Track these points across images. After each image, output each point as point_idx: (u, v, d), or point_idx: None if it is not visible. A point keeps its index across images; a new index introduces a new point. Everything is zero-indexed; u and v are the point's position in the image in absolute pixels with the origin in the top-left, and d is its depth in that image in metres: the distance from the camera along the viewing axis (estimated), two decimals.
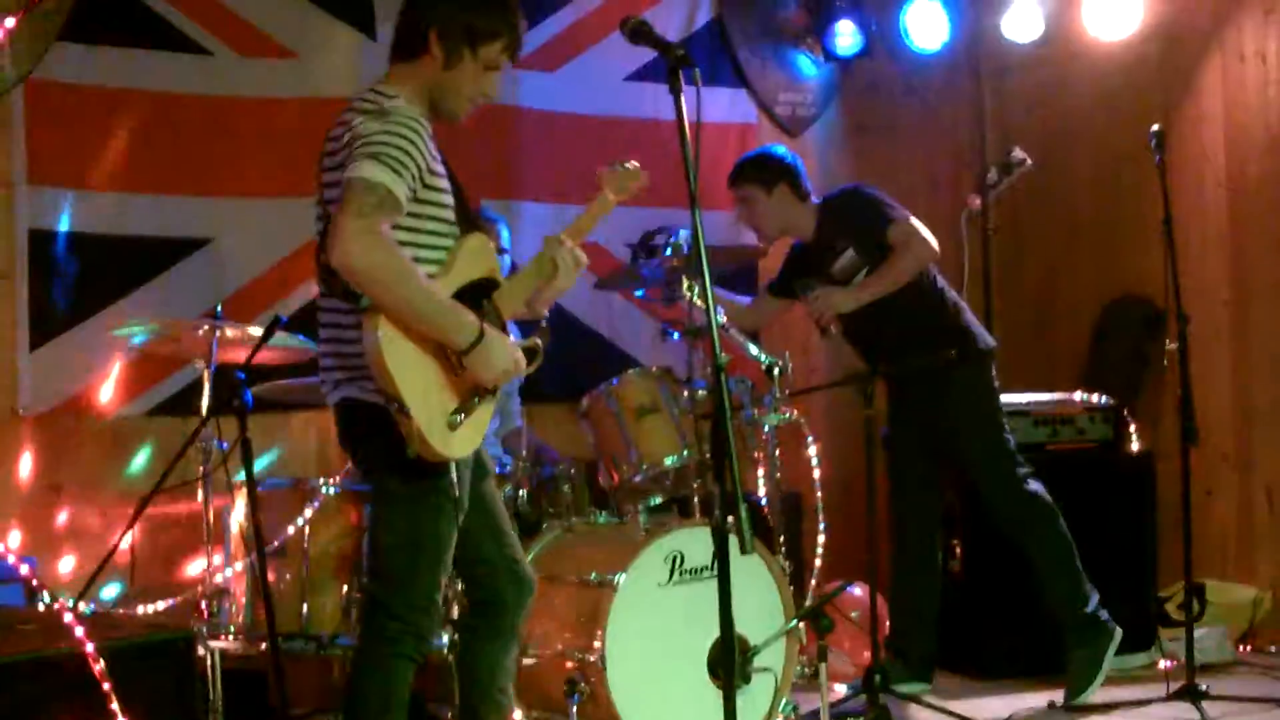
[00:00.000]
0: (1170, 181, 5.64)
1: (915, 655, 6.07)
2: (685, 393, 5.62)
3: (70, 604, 4.53)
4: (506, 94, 6.60)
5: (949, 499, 6.32)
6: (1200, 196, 7.25)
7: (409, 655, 4.06)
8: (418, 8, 4.12)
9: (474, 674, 4.42)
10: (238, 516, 5.27)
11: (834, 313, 5.91)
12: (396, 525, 4.06)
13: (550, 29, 7.28)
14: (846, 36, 7.84)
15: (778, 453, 5.95)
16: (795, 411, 5.82)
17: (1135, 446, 6.70)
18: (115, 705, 3.97)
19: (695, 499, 5.64)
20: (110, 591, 6.07)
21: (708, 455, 5.44)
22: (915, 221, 5.93)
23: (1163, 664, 6.22)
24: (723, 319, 5.61)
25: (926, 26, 7.85)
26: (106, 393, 6.22)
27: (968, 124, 8.16)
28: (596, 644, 5.00)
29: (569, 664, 5.08)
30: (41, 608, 5.30)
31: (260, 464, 5.38)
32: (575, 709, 4.94)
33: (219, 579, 5.28)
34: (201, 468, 5.27)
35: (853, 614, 6.47)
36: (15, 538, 5.98)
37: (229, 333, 5.39)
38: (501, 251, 5.99)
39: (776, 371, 5.69)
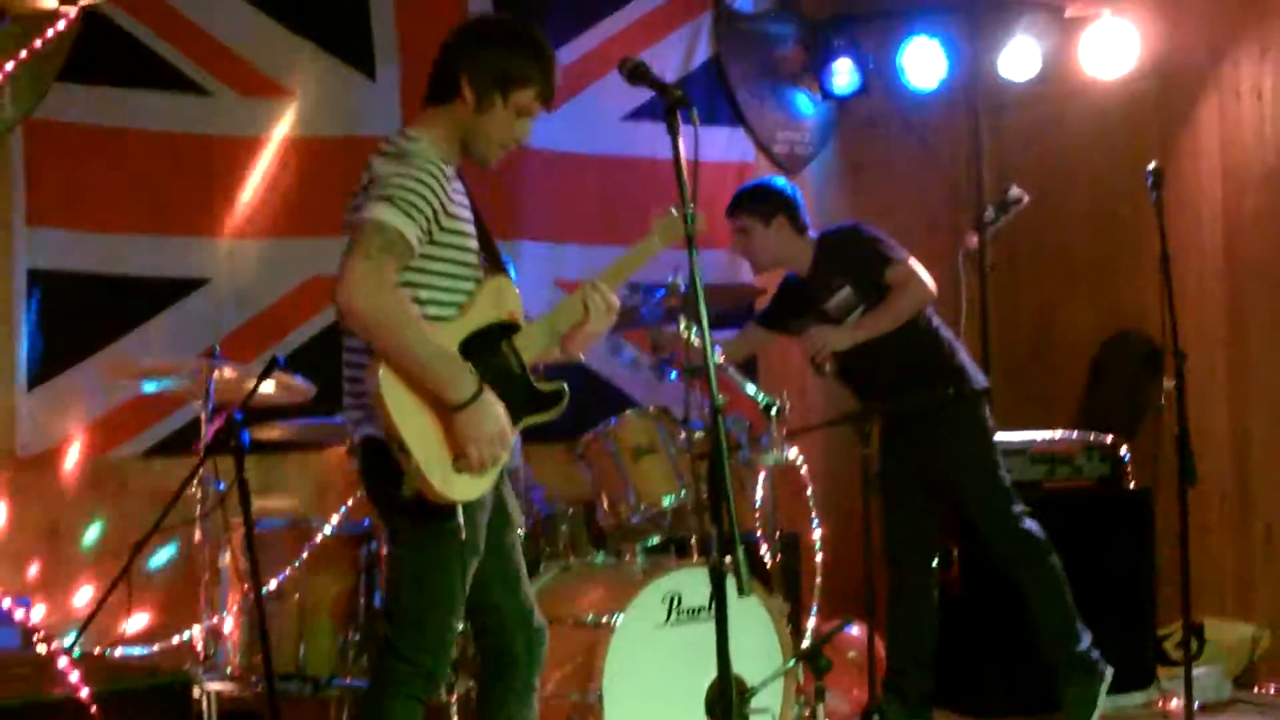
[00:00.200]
0: (1167, 219, 5.64)
1: (913, 694, 6.05)
2: (683, 433, 5.63)
3: (66, 647, 4.52)
4: None
5: (946, 539, 6.30)
6: (1197, 234, 7.25)
7: (416, 696, 4.02)
8: (451, 52, 4.12)
9: None
10: (235, 557, 5.27)
11: (830, 350, 5.90)
12: (405, 566, 4.05)
13: None
14: (844, 75, 7.87)
15: (775, 493, 5.95)
16: (793, 451, 5.82)
17: (1133, 484, 6.68)
18: None
19: (693, 539, 5.64)
20: (106, 634, 6.05)
21: (705, 496, 5.45)
22: (914, 263, 5.93)
23: (1161, 703, 6.20)
24: (720, 359, 5.62)
25: (923, 65, 7.86)
26: (104, 432, 6.23)
27: (965, 161, 8.16)
28: (594, 685, 5.00)
29: (567, 705, 5.07)
30: (37, 651, 5.29)
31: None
32: None
33: (215, 620, 5.28)
34: (199, 508, 5.27)
35: (850, 653, 6.45)
36: (11, 579, 5.97)
37: (227, 373, 5.40)
38: None
39: (774, 412, 5.69)
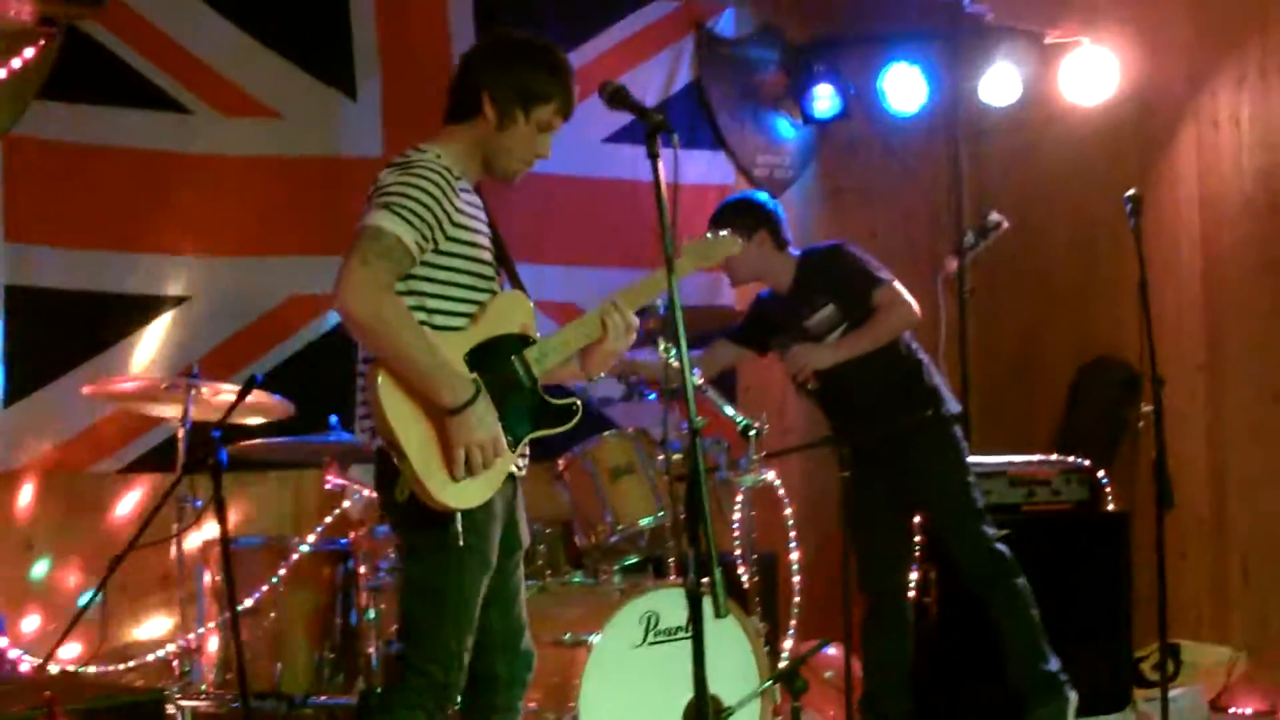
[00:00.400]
0: (1145, 245, 5.66)
1: (889, 715, 6.04)
2: (661, 454, 5.63)
3: (40, 664, 4.51)
4: None
5: (923, 560, 6.31)
6: (1176, 260, 7.28)
7: (424, 708, 4.00)
8: (472, 70, 4.15)
9: None
10: (211, 575, 5.26)
11: (812, 368, 5.91)
12: (414, 577, 4.05)
13: None
14: (825, 100, 7.89)
15: (753, 513, 5.95)
16: (771, 473, 5.82)
17: (1111, 508, 6.70)
18: None
19: (670, 560, 5.63)
20: (81, 650, 6.03)
21: (683, 516, 5.45)
22: (899, 285, 5.95)
23: None
24: (699, 380, 5.62)
25: (904, 90, 7.88)
26: (82, 449, 6.21)
27: (945, 187, 8.18)
28: (571, 704, 5.00)
29: None
30: (11, 669, 5.28)
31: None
32: None
33: (191, 638, 5.26)
34: (175, 525, 5.26)
35: (827, 674, 6.45)
36: None
37: (205, 391, 5.39)
38: None
39: (753, 433, 5.70)
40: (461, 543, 3.92)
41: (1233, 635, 6.97)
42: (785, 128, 8.13)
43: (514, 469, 4.11)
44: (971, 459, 6.12)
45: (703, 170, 7.79)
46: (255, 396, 5.08)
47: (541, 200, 7.27)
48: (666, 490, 5.56)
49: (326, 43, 6.83)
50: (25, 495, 6.16)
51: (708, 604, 3.48)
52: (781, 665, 5.77)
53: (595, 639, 5.07)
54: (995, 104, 7.84)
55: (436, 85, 6.82)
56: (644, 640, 5.19)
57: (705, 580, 3.49)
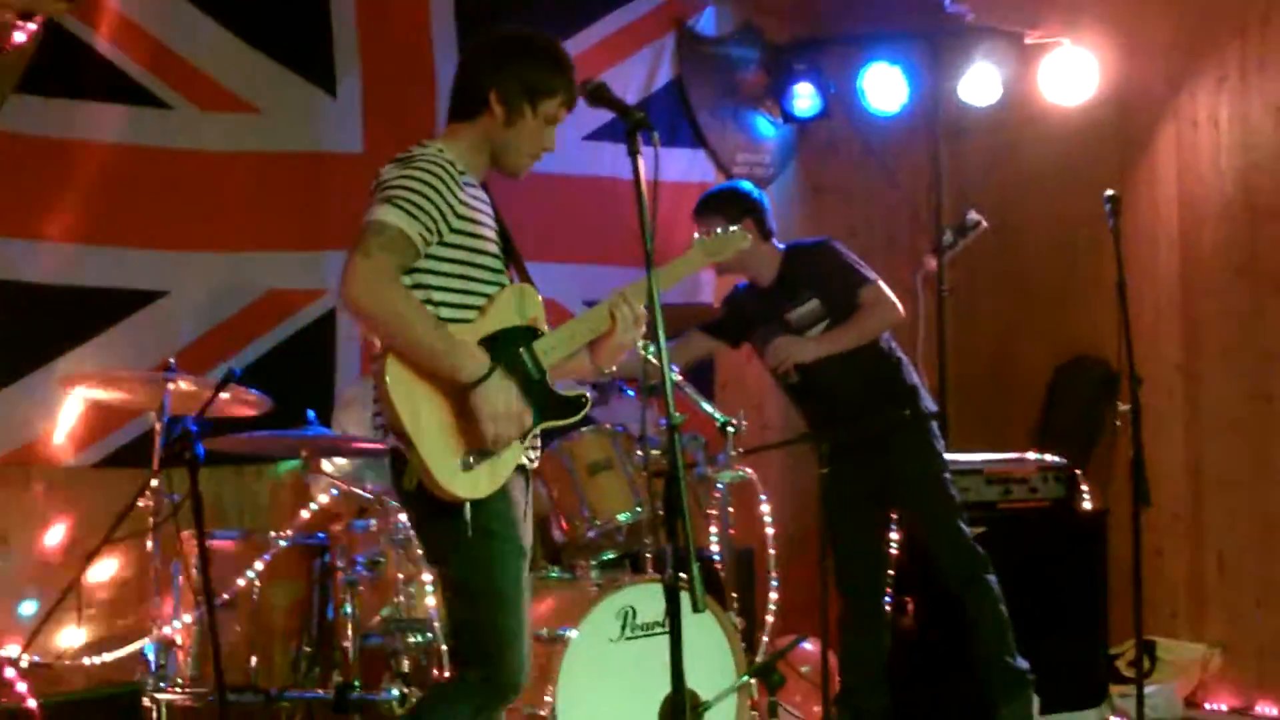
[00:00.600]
0: (1124, 245, 5.68)
1: (866, 710, 6.05)
2: (639, 450, 5.63)
3: (14, 657, 4.49)
4: None
5: (901, 557, 6.32)
6: (1154, 260, 7.31)
7: (475, 705, 4.00)
8: (476, 69, 4.17)
9: None
10: (187, 569, 5.25)
11: (793, 361, 5.91)
12: (451, 576, 4.05)
13: None
14: (805, 99, 7.90)
15: (730, 510, 5.96)
16: (749, 470, 5.83)
17: (1088, 506, 6.72)
18: None
19: (648, 555, 5.64)
20: (56, 643, 6.01)
21: (660, 512, 5.46)
22: (884, 285, 5.97)
23: None
24: (678, 376, 5.63)
25: (884, 89, 7.89)
26: (58, 442, 6.19)
27: (924, 186, 8.20)
28: (548, 698, 5.01)
29: (521, 719, 5.06)
30: None
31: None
32: None
33: (167, 631, 5.25)
34: (152, 519, 5.25)
35: (803, 669, 6.46)
36: None
37: (183, 385, 5.38)
38: None
39: (731, 430, 5.72)
40: (469, 533, 3.92)
41: (1208, 632, 7.01)
42: (765, 126, 8.14)
43: (525, 460, 4.12)
44: (949, 457, 6.15)
45: (683, 168, 7.80)
46: (232, 391, 5.07)
47: (521, 198, 7.25)
48: (644, 486, 5.56)
49: (306, 39, 6.82)
50: (1, 489, 6.13)
51: (686, 599, 3.49)
52: (758, 660, 5.78)
53: (572, 634, 5.07)
54: (975, 104, 7.86)
55: (417, 82, 6.99)
56: (621, 635, 5.20)
57: (683, 576, 3.50)
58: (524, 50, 4.17)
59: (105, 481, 6.19)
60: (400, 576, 5.28)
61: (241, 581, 5.22)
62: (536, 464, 4.20)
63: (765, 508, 6.14)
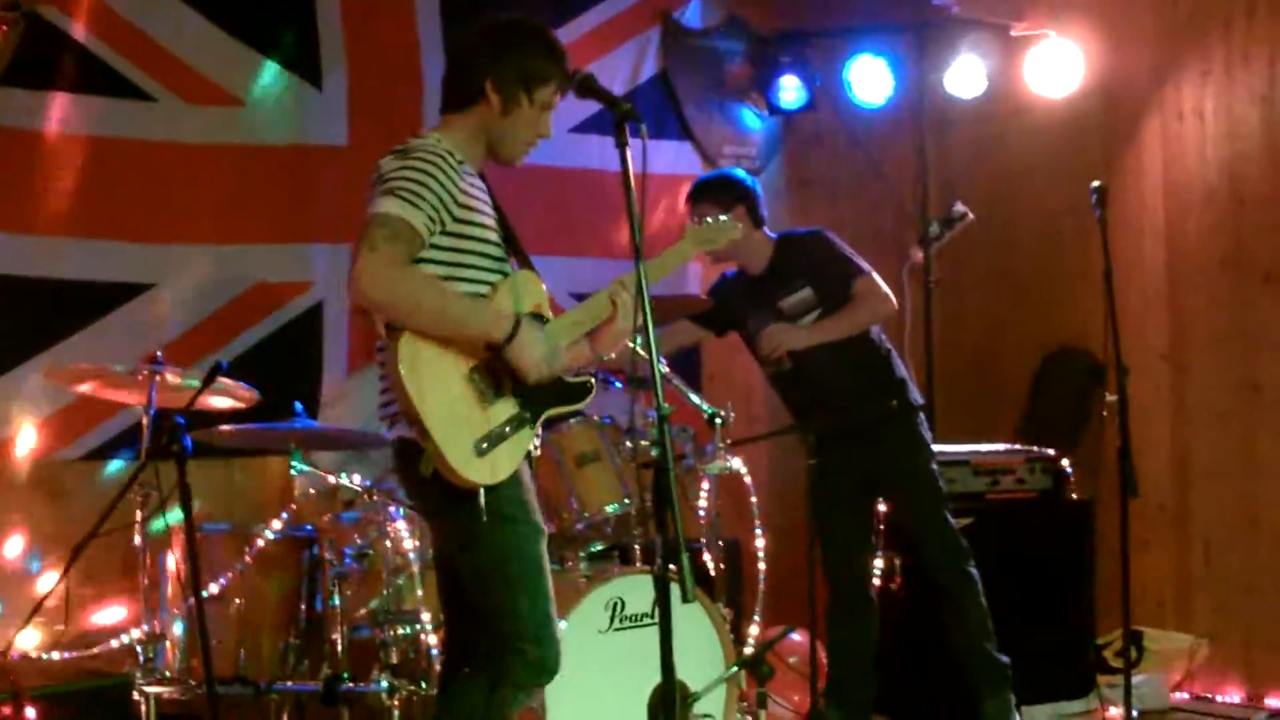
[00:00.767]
0: (1110, 236, 5.68)
1: (854, 701, 6.06)
2: (627, 441, 5.64)
3: (3, 650, 4.48)
4: None
5: (888, 547, 6.33)
6: (1139, 251, 7.32)
7: (521, 687, 4.05)
8: (470, 59, 4.17)
9: None
10: (175, 561, 5.24)
11: (786, 348, 5.91)
12: (474, 564, 4.04)
13: None
14: (791, 91, 7.91)
15: (718, 501, 5.96)
16: (737, 461, 5.83)
17: (1074, 496, 6.73)
18: None
19: (636, 546, 5.64)
20: (44, 637, 6.00)
21: (649, 503, 5.46)
22: (877, 277, 5.98)
23: (1100, 710, 6.23)
24: (665, 368, 5.62)
25: (870, 81, 7.90)
26: (44, 436, 6.18)
27: (910, 177, 8.19)
28: (537, 690, 4.98)
29: None
30: None
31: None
32: None
33: (156, 624, 5.24)
34: (139, 512, 5.24)
35: (792, 660, 6.47)
36: None
37: (169, 378, 5.37)
38: None
39: (719, 421, 5.72)
40: (485, 519, 3.93)
41: (1195, 622, 7.02)
42: (751, 118, 8.15)
43: (529, 448, 4.12)
44: (935, 447, 6.15)
45: (669, 160, 7.81)
46: (220, 384, 5.07)
47: (507, 191, 7.24)
48: (633, 477, 5.56)
49: (291, 31, 6.81)
50: None
51: (675, 589, 3.49)
52: (747, 651, 5.78)
53: (561, 624, 5.04)
54: (961, 96, 7.86)
55: (403, 74, 6.99)
56: (610, 626, 5.19)
57: (673, 567, 3.50)
58: (517, 38, 4.17)
59: (92, 474, 6.18)
60: (389, 569, 5.27)
61: (230, 574, 5.21)
62: (539, 452, 4.21)
63: (753, 499, 6.14)
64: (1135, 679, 5.91)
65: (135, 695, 5.01)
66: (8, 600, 6.06)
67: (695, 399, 5.83)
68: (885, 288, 5.97)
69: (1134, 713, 5.67)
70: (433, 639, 5.07)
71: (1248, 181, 6.89)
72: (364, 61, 6.93)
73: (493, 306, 3.99)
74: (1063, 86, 7.58)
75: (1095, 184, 5.72)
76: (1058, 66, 7.56)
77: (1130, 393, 5.67)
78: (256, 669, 5.14)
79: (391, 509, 5.28)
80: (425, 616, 5.11)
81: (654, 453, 5.32)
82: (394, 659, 5.10)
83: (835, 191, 8.31)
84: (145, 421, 5.41)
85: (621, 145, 3.69)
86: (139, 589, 5.27)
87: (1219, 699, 6.81)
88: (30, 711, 3.92)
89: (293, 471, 5.47)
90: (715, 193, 6.03)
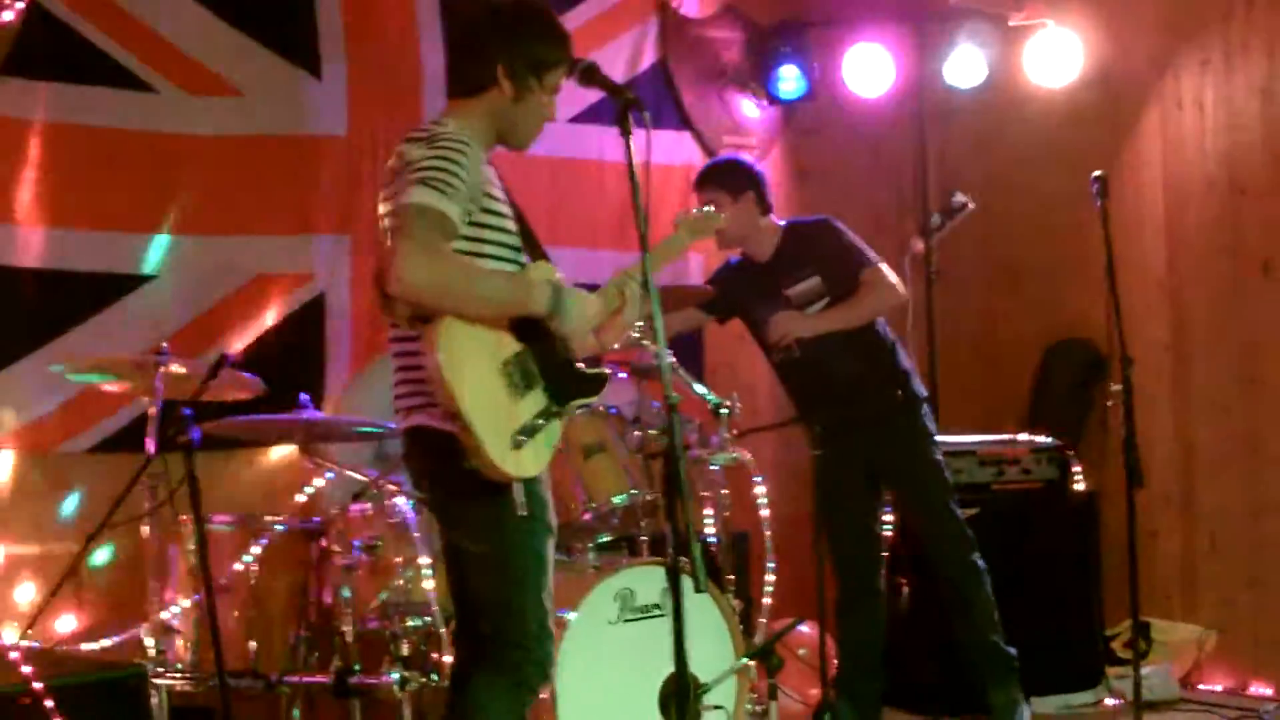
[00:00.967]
0: (1110, 226, 5.69)
1: (864, 694, 6.06)
2: (634, 432, 5.63)
3: (16, 640, 4.47)
4: None
5: (895, 540, 6.33)
6: (1140, 241, 7.33)
7: (528, 684, 4.02)
8: (479, 45, 4.12)
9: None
10: (184, 554, 5.23)
11: (794, 336, 5.91)
12: (493, 556, 4.00)
13: None
14: (790, 81, 7.90)
15: (725, 492, 5.96)
16: (743, 452, 5.83)
17: (1080, 487, 6.73)
18: None
19: (643, 537, 5.63)
20: (55, 629, 5.98)
21: (656, 494, 5.46)
22: (886, 267, 5.98)
23: (1109, 702, 6.25)
24: (672, 359, 5.62)
25: (869, 71, 7.90)
26: (50, 428, 6.16)
27: (910, 168, 8.20)
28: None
29: None
30: None
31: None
32: None
33: (165, 616, 5.22)
34: (148, 504, 5.22)
35: (801, 651, 6.47)
36: None
37: (175, 369, 5.35)
38: None
39: (724, 412, 5.72)
40: (522, 511, 3.93)
41: (1201, 614, 7.03)
42: (750, 109, 8.14)
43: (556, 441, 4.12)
44: (941, 438, 6.15)
45: (669, 151, 7.79)
46: (225, 375, 5.05)
47: (508, 180, 7.24)
48: (639, 468, 5.56)
49: (291, 21, 6.79)
50: None
51: (686, 580, 3.48)
52: (757, 643, 5.78)
53: (571, 616, 5.06)
54: (960, 86, 7.87)
55: (403, 64, 6.97)
56: (619, 617, 5.19)
57: (684, 558, 3.50)
58: (525, 21, 4.13)
59: (100, 467, 6.16)
60: (398, 560, 5.26)
61: (239, 566, 5.20)
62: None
63: (760, 490, 6.14)
64: (1144, 670, 5.90)
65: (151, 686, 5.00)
66: (19, 592, 6.04)
67: (700, 389, 5.84)
68: (894, 277, 5.98)
69: (1143, 704, 5.66)
70: (443, 630, 5.06)
71: (1247, 172, 6.90)
72: (363, 52, 6.91)
73: (529, 281, 3.98)
74: (1062, 76, 7.59)
75: (1096, 174, 5.73)
76: (1057, 56, 7.57)
77: (1133, 383, 5.68)
78: (267, 662, 5.12)
79: (400, 501, 5.26)
80: (435, 608, 5.09)
81: (663, 442, 5.31)
82: (404, 651, 5.08)
83: (834, 182, 8.30)
84: (152, 413, 5.38)
85: (626, 134, 3.70)
86: (149, 581, 5.25)
87: (1226, 690, 6.82)
88: (48, 703, 3.90)
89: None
90: (723, 177, 6.03)
